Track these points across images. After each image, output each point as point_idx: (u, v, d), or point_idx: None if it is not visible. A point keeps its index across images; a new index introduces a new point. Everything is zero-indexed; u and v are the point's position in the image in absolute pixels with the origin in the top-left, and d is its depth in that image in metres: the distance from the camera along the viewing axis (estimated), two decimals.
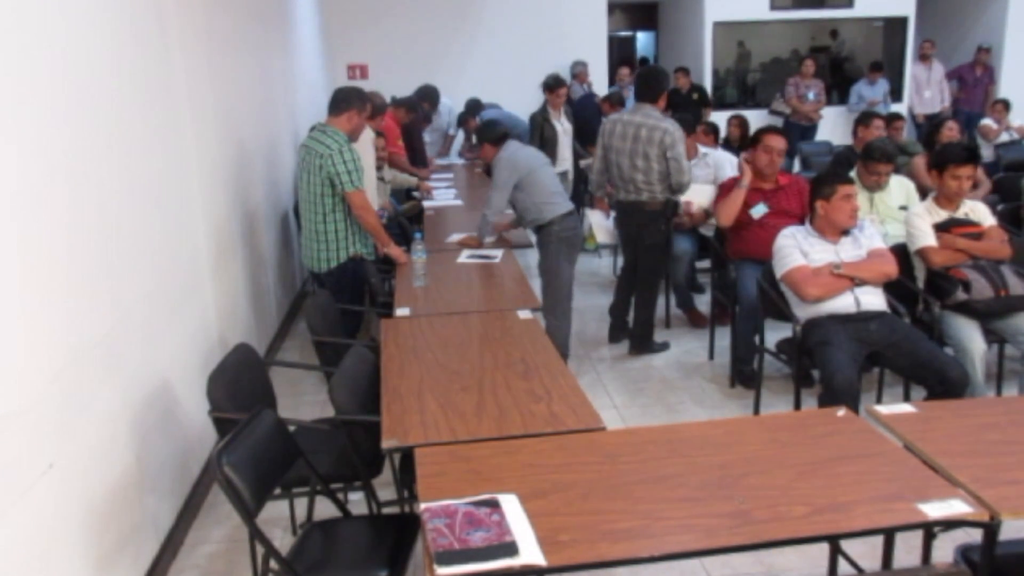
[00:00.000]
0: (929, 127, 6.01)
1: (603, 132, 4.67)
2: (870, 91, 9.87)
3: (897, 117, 6.65)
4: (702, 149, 5.59)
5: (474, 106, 8.21)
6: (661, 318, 5.22)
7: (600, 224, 5.39)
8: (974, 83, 10.27)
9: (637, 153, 4.47)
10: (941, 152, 3.96)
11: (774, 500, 1.87)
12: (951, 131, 5.60)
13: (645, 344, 4.83)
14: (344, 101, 4.09)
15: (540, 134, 6.69)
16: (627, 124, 4.51)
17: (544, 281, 4.47)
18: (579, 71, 9.16)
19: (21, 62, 2.13)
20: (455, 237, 4.63)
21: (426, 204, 5.83)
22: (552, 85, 6.74)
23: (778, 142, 4.43)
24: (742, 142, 6.87)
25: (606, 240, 5.26)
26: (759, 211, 4.37)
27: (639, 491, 1.93)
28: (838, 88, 10.80)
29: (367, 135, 4.97)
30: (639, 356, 4.82)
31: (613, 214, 4.98)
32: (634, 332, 4.86)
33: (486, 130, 4.52)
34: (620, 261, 5.36)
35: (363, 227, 4.13)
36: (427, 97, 7.79)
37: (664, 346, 4.89)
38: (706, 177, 5.35)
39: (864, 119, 5.61)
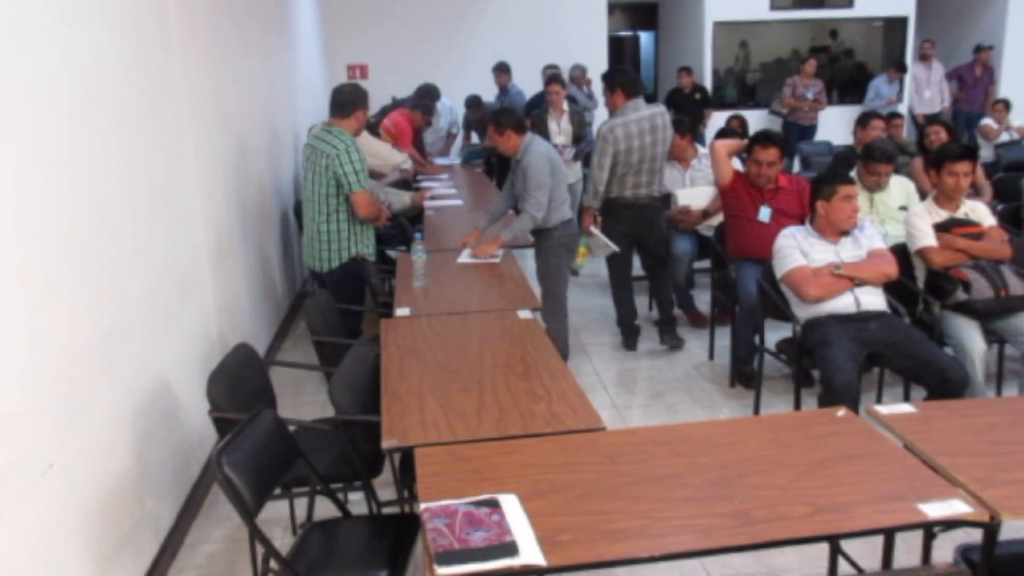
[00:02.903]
0: (919, 130, 5.97)
1: (613, 140, 4.47)
2: (888, 89, 9.87)
3: (897, 116, 6.64)
4: (702, 149, 5.58)
5: (478, 98, 8.26)
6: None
7: (601, 237, 4.88)
8: (974, 83, 10.27)
9: (658, 143, 4.52)
10: (938, 150, 3.98)
11: (774, 500, 1.87)
12: (937, 134, 5.56)
13: (676, 333, 4.92)
14: (350, 103, 4.10)
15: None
16: (639, 121, 4.49)
17: (544, 287, 4.41)
18: (576, 75, 9.17)
19: (22, 61, 2.13)
20: (465, 256, 4.24)
21: (426, 204, 5.82)
22: (546, 81, 6.73)
23: (767, 155, 4.31)
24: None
25: (604, 254, 4.93)
26: (765, 214, 4.35)
27: (639, 491, 1.93)
28: (838, 88, 10.81)
29: (373, 141, 5.02)
30: (672, 351, 4.86)
31: (600, 220, 4.86)
32: (668, 320, 4.90)
33: (509, 115, 4.29)
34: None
35: (367, 221, 4.17)
36: (428, 94, 7.82)
37: (681, 342, 4.94)
38: (705, 178, 5.34)
39: (863, 120, 5.59)
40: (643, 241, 4.74)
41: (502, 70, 8.64)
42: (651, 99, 4.74)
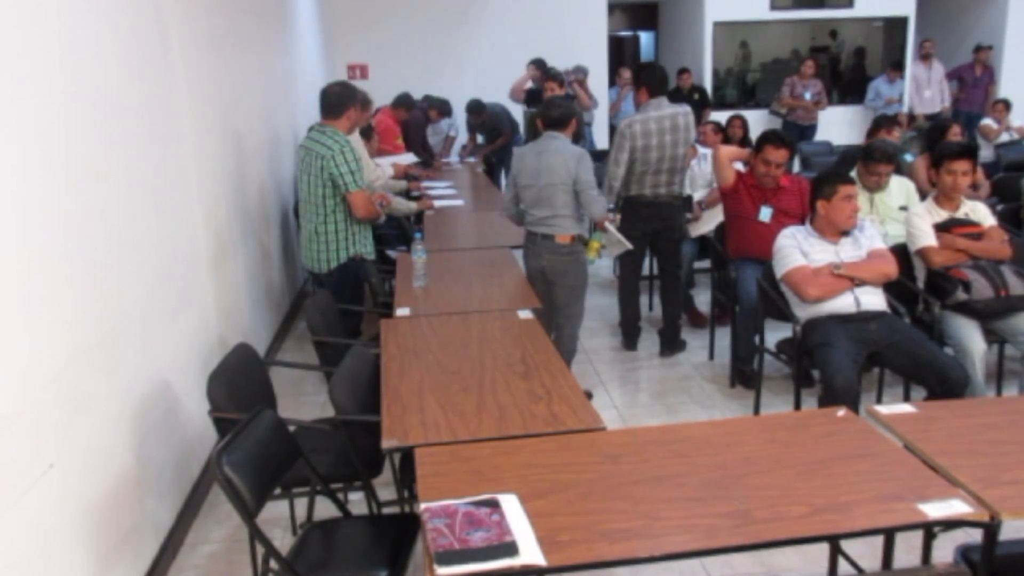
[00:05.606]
0: (931, 130, 5.95)
1: (630, 135, 4.42)
2: (888, 89, 9.86)
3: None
4: (701, 150, 5.58)
5: (479, 102, 8.21)
6: (659, 318, 5.21)
7: (615, 234, 4.91)
8: (974, 83, 10.27)
9: (678, 143, 4.47)
10: (937, 149, 3.99)
11: (774, 500, 1.87)
12: (955, 135, 5.56)
13: (680, 342, 4.86)
14: (340, 105, 4.09)
15: (533, 132, 6.65)
16: (660, 120, 4.44)
17: None
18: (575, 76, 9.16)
19: (21, 61, 2.13)
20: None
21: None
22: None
23: (778, 155, 4.31)
24: (742, 143, 6.87)
25: (617, 252, 4.81)
26: (766, 214, 4.35)
27: (639, 491, 1.93)
28: (839, 88, 10.80)
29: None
30: (671, 356, 4.81)
31: (616, 218, 4.80)
32: (670, 333, 4.84)
33: (549, 106, 4.18)
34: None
35: (365, 220, 4.18)
36: (436, 105, 7.83)
37: (683, 344, 4.92)
38: (704, 178, 5.35)
39: (886, 123, 5.57)
40: (659, 241, 4.69)
41: (538, 67, 8.53)
42: None
